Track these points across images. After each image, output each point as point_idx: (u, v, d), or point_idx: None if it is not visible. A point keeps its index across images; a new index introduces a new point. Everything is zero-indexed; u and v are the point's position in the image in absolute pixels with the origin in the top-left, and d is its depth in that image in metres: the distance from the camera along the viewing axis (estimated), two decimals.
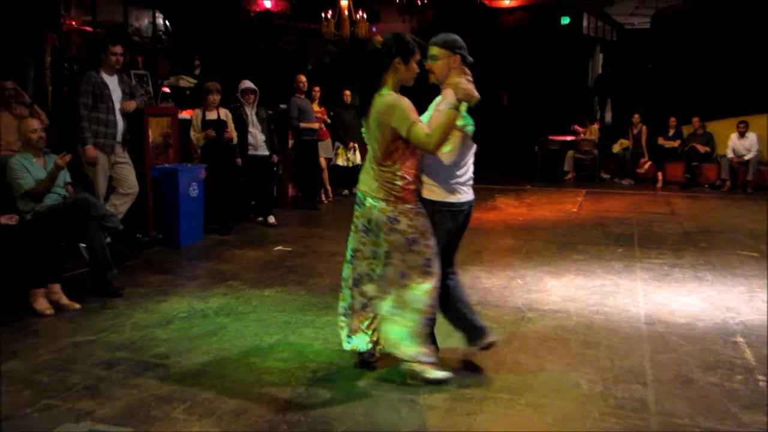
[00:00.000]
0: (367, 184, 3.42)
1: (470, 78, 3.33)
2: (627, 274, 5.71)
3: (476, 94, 3.24)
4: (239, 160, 7.39)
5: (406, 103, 3.30)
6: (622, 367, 3.69)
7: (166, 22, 10.88)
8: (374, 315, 3.50)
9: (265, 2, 10.90)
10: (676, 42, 13.17)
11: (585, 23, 15.82)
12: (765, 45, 11.65)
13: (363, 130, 3.49)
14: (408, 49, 3.33)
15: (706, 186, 11.66)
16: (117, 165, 6.12)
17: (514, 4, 15.56)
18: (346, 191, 10.05)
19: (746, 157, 11.30)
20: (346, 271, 3.55)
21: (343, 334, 3.58)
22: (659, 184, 11.92)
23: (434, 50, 3.41)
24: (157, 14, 10.59)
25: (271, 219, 7.71)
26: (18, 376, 3.49)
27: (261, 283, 5.32)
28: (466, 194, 3.52)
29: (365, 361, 3.63)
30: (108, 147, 6.02)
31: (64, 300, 4.58)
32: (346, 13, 11.93)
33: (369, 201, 3.38)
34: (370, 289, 3.48)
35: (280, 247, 6.63)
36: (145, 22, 10.54)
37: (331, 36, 12.33)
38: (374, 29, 14.26)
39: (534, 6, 15.25)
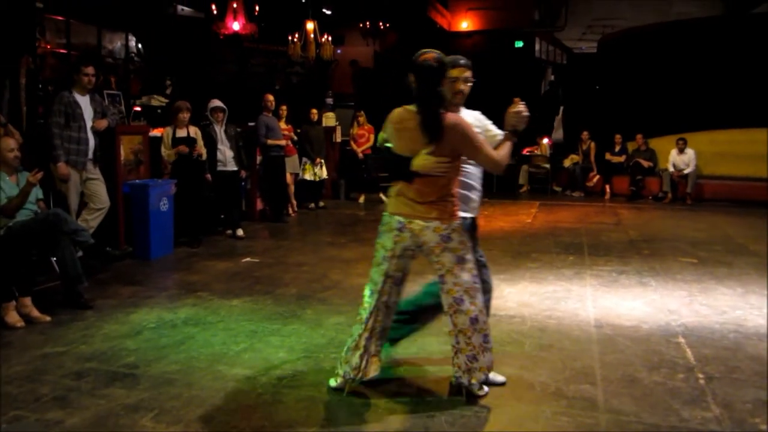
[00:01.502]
0: (409, 207, 3.12)
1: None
2: (577, 280, 5.78)
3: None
4: (209, 176, 7.28)
5: (468, 122, 3.16)
6: (573, 368, 3.72)
7: (139, 44, 10.77)
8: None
9: (233, 25, 10.82)
10: (621, 65, 13.48)
11: (537, 47, 16.18)
12: (700, 69, 12.06)
13: (420, 155, 3.08)
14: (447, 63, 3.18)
15: (650, 198, 11.94)
16: (88, 181, 6.00)
17: (471, 28, 15.82)
18: (312, 204, 10.01)
19: (685, 171, 11.64)
20: (371, 299, 3.24)
21: (353, 364, 3.26)
22: (607, 196, 12.17)
23: (469, 72, 3.33)
24: (130, 37, 10.48)
25: (240, 232, 7.62)
26: None
27: (229, 293, 5.23)
28: None
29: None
30: (80, 164, 5.90)
31: (35, 313, 4.44)
32: (312, 36, 11.96)
33: (417, 223, 3.10)
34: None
35: (248, 259, 6.54)
36: (118, 44, 10.43)
37: (298, 58, 12.35)
38: (339, 51, 14.33)
39: (490, 31, 15.52)
